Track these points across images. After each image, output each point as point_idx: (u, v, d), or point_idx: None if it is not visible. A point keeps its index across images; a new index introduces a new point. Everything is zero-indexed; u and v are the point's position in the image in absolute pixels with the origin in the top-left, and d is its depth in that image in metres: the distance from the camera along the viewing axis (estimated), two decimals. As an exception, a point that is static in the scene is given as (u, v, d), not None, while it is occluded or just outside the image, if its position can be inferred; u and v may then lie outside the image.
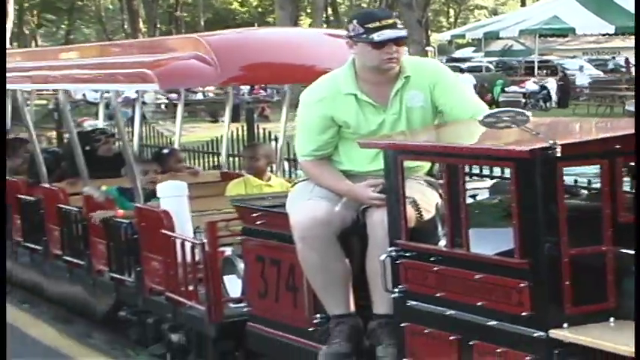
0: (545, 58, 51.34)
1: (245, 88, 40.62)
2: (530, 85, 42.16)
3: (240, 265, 7.77)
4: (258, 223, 7.06)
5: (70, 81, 9.49)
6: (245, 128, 14.20)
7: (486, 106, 6.60)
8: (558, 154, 4.88)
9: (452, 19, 68.61)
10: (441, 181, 6.50)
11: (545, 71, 47.11)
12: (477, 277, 5.30)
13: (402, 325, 5.85)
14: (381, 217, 6.03)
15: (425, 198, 6.15)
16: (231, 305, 7.78)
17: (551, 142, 4.91)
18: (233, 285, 7.86)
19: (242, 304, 7.65)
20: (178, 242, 8.12)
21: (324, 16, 53.95)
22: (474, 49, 57.77)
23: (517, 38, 51.88)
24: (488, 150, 5.41)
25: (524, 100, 38.79)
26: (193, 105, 43.02)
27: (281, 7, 49.55)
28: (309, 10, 55.53)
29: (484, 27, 48.93)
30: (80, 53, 10.71)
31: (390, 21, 6.28)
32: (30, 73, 10.69)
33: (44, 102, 29.87)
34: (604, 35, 48.02)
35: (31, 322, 10.27)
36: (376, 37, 6.19)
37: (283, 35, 8.67)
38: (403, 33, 6.37)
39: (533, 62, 47.27)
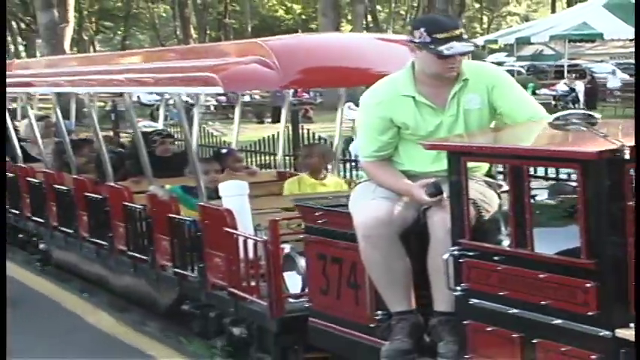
0: (574, 62, 50.85)
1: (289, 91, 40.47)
2: (561, 86, 41.80)
3: (300, 262, 7.59)
4: (320, 222, 6.87)
5: (137, 84, 9.33)
6: (290, 129, 13.65)
7: (543, 108, 6.42)
8: (627, 157, 4.67)
9: (485, 26, 68.22)
10: (499, 182, 6.36)
11: (574, 75, 46.69)
12: (541, 276, 5.10)
13: (465, 322, 5.65)
14: (442, 217, 5.85)
15: (484, 198, 5.97)
16: (291, 300, 7.58)
17: (619, 144, 4.69)
18: (292, 281, 7.67)
19: (302, 300, 7.47)
20: (241, 240, 7.94)
21: (364, 22, 53.71)
22: (506, 53, 57.30)
23: (547, 43, 51.45)
24: (555, 152, 5.19)
25: (554, 102, 38.44)
26: (242, 107, 42.83)
27: (324, 15, 49.48)
28: (349, 17, 55.33)
29: (516, 33, 48.47)
30: (144, 57, 10.55)
31: (458, 32, 6.07)
32: (96, 76, 10.52)
33: (101, 104, 29.80)
34: (631, 40, 47.47)
35: (90, 310, 10.18)
36: (445, 50, 5.98)
37: (341, 40, 8.47)
38: (471, 47, 6.24)
39: (562, 66, 46.78)
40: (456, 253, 5.62)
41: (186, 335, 9.11)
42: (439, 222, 5.88)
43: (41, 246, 12.85)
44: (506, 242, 5.44)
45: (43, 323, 9.57)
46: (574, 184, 6.39)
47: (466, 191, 5.60)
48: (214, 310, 8.56)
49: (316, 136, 13.27)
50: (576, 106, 40.81)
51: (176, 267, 9.02)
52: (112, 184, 10.40)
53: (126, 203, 9.93)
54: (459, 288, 5.64)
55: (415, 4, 60.18)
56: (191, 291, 8.88)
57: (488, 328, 5.46)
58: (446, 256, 5.65)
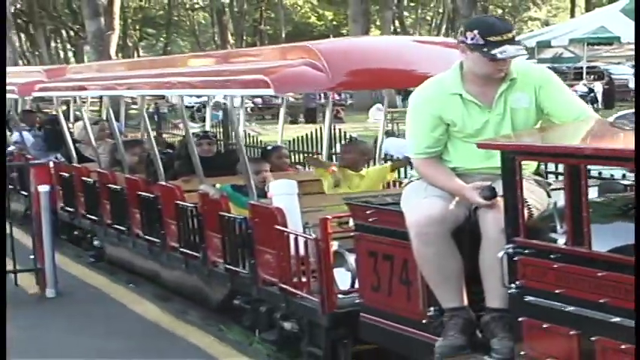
0: (592, 64, 50.40)
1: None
2: (580, 87, 41.45)
3: (349, 259, 7.33)
4: (371, 220, 6.61)
5: (191, 87, 9.07)
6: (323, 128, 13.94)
7: (590, 108, 6.18)
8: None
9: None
10: (548, 180, 6.11)
11: (592, 76, 46.32)
12: (599, 274, 4.83)
13: (520, 319, 5.38)
14: (493, 216, 5.63)
15: (534, 196, 5.72)
16: (341, 296, 7.31)
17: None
18: (341, 277, 7.41)
19: (352, 295, 7.21)
20: (292, 237, 7.69)
21: (392, 28, 53.39)
22: (527, 56, 56.96)
23: (567, 46, 50.85)
24: (613, 151, 4.91)
25: (574, 102, 38.09)
26: (275, 108, 42.88)
27: (354, 20, 49.30)
28: (378, 23, 55.02)
29: (537, 37, 48.03)
30: (197, 61, 10.28)
31: (510, 35, 5.83)
32: (151, 80, 10.24)
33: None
34: (648, 43, 46.93)
35: (136, 300, 10.03)
36: (499, 54, 5.74)
37: (387, 42, 8.21)
38: (522, 51, 5.98)
39: (581, 68, 46.44)
40: (510, 251, 5.37)
41: (225, 324, 9.02)
42: (491, 220, 5.66)
43: (95, 242, 12.64)
44: (561, 240, 5.17)
45: (93, 312, 9.54)
46: (626, 182, 6.22)
47: (521, 190, 5.36)
48: (265, 304, 8.32)
49: (347, 135, 13.24)
50: (595, 106, 40.49)
51: (227, 263, 8.77)
52: (164, 183, 10.16)
53: (177, 202, 9.68)
54: (513, 285, 5.39)
55: (441, 11, 59.84)
56: (242, 286, 8.64)
57: (545, 325, 5.20)
58: (501, 254, 5.40)
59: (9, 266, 10.24)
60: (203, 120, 36.47)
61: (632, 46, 55.28)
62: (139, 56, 55.21)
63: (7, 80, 16.45)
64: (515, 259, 5.34)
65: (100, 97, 13.45)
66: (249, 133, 23.92)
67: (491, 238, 5.64)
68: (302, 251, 7.56)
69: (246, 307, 8.65)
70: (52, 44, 59.76)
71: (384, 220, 6.48)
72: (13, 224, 10.69)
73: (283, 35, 56.14)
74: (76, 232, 13.47)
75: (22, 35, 58.50)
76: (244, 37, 59.55)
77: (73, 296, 10.19)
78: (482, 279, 5.81)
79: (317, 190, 9.29)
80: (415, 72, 7.45)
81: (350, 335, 7.24)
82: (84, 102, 14.16)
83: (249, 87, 7.92)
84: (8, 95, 15.64)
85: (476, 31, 5.81)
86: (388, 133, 23.61)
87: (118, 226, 11.47)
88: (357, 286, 7.14)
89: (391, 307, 6.49)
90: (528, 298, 5.30)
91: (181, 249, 9.69)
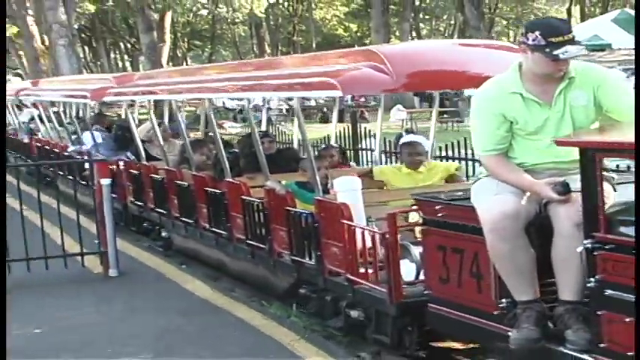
0: (588, 68, 49.59)
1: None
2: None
3: (413, 251, 6.78)
4: (440, 215, 6.06)
5: (262, 89, 8.48)
6: (350, 128, 14.61)
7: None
8: None
9: (512, 39, 66.97)
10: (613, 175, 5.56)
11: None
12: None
13: (599, 312, 4.83)
14: (566, 211, 5.11)
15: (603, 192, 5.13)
16: (406, 287, 6.76)
17: None
18: (406, 268, 6.85)
19: (416, 286, 6.69)
20: (359, 231, 7.14)
21: (410, 38, 52.77)
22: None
23: (565, 52, 50.02)
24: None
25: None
26: (308, 110, 42.44)
27: (376, 31, 48.80)
28: (397, 34, 54.44)
29: (539, 44, 47.29)
30: (263, 65, 9.71)
31: (571, 35, 5.28)
32: (220, 84, 9.72)
33: (192, 109, 29.26)
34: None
35: (188, 279, 9.84)
36: (561, 55, 5.22)
37: (446, 46, 7.60)
38: (583, 50, 5.46)
39: (579, 71, 45.69)
40: (589, 246, 4.82)
41: (267, 300, 8.90)
42: (564, 215, 5.14)
43: (163, 234, 12.19)
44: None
45: (150, 289, 9.52)
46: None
47: (601, 187, 4.82)
48: (330, 293, 7.78)
49: (371, 133, 13.14)
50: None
51: (293, 255, 8.23)
52: (230, 179, 9.62)
53: (243, 197, 9.15)
54: (592, 279, 4.84)
55: (452, 22, 59.12)
56: (308, 276, 8.10)
57: (627, 319, 4.64)
58: (580, 248, 4.89)
59: (77, 249, 10.32)
60: (244, 121, 36.22)
61: (623, 52, 54.58)
62: (187, 65, 54.77)
63: (79, 87, 15.95)
64: (595, 253, 4.81)
65: (152, 102, 13.01)
66: (284, 132, 23.65)
67: (564, 233, 5.14)
68: (368, 244, 7.02)
69: (312, 296, 8.13)
70: (112, 55, 59.59)
71: (453, 215, 5.94)
72: (80, 213, 10.60)
73: (314, 45, 55.57)
74: (145, 224, 13.00)
75: (86, 48, 58.31)
76: (279, 48, 59.08)
77: (133, 276, 10.19)
78: (556, 272, 5.28)
79: (373, 186, 8.72)
80: (474, 73, 6.93)
81: (415, 323, 6.73)
82: (131, 106, 13.88)
83: (318, 89, 7.36)
84: (81, 100, 15.18)
85: (537, 33, 5.30)
86: (408, 131, 23.19)
87: (185, 219, 10.97)
88: (421, 277, 6.65)
89: (461, 298, 5.95)
90: (608, 292, 4.76)
91: (248, 241, 9.16)
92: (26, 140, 21.36)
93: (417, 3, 57.53)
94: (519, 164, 5.52)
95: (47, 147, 18.63)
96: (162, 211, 11.84)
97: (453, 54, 7.37)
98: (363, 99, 43.85)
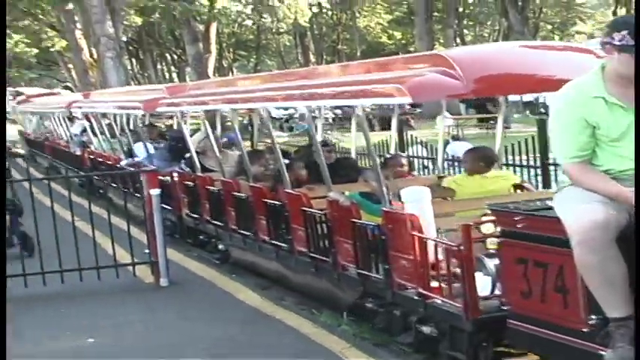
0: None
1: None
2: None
3: (488, 264, 6.42)
4: (520, 226, 5.68)
5: (326, 97, 8.10)
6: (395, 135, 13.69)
7: None
8: None
9: (556, 43, 66.32)
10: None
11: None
12: None
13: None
14: None
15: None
16: (482, 301, 6.39)
17: None
18: (480, 282, 6.49)
19: (492, 300, 6.31)
20: (430, 243, 6.79)
21: (454, 44, 52.23)
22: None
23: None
24: None
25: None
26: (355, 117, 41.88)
27: (420, 39, 48.34)
28: (441, 40, 53.93)
29: (585, 48, 46.56)
30: (322, 74, 9.36)
31: None
32: (274, 93, 9.43)
33: (239, 118, 29.01)
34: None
35: (239, 289, 9.75)
36: None
37: (518, 48, 7.16)
38: None
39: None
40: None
41: (317, 308, 8.82)
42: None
43: (220, 246, 11.86)
44: None
45: (201, 299, 9.47)
46: None
47: None
48: (399, 308, 7.43)
49: (418, 140, 13.25)
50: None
51: (359, 268, 7.89)
52: (290, 190, 9.31)
53: (305, 209, 8.83)
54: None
55: (496, 28, 58.48)
56: (375, 290, 7.76)
57: None
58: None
59: (128, 259, 10.33)
60: (290, 130, 36.01)
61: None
62: (232, 75, 54.73)
63: (131, 97, 15.72)
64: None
65: (207, 112, 12.78)
66: (330, 140, 23.33)
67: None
68: (440, 257, 6.66)
69: (379, 310, 7.78)
70: (159, 67, 59.67)
71: (535, 227, 5.55)
72: (132, 224, 10.63)
73: (358, 53, 55.24)
74: (200, 237, 12.72)
75: (133, 60, 58.45)
76: (324, 57, 58.80)
77: (184, 285, 10.14)
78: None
79: (440, 195, 8.33)
80: (552, 77, 6.49)
81: (490, 339, 6.36)
82: (184, 116, 13.39)
83: (385, 96, 7.00)
84: (134, 111, 14.90)
85: (625, 32, 4.90)
86: (454, 137, 22.73)
87: (243, 231, 10.67)
88: (497, 291, 6.29)
89: (545, 314, 5.55)
90: None
91: (310, 253, 8.84)
92: (78, 152, 21.18)
93: (461, 9, 56.97)
94: (605, 172, 5.15)
95: (100, 159, 18.45)
96: (219, 223, 11.56)
97: (527, 57, 6.95)
98: (408, 106, 43.34)
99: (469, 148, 8.56)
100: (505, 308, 5.99)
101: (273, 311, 8.64)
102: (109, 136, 18.79)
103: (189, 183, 12.65)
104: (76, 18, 39.63)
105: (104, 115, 18.71)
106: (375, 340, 7.65)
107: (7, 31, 57.01)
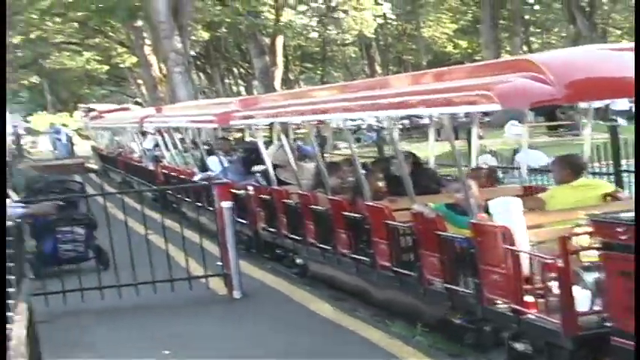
0: None
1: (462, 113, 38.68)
2: None
3: (587, 278, 6.06)
4: (623, 237, 5.36)
5: (408, 106, 7.70)
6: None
7: None
8: None
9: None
10: None
11: None
12: None
13: None
14: None
15: None
16: (580, 317, 6.04)
17: None
18: (578, 297, 6.13)
19: (592, 316, 5.97)
20: (524, 257, 6.46)
21: (521, 52, 51.50)
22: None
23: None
24: None
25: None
26: (421, 128, 41.59)
27: (486, 47, 47.73)
28: (508, 49, 53.25)
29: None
30: (403, 82, 8.88)
31: None
32: (353, 103, 9.05)
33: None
34: None
35: (312, 300, 9.70)
36: None
37: (610, 52, 6.71)
38: None
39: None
40: None
41: (390, 319, 8.72)
42: None
43: (298, 261, 11.53)
44: None
45: (275, 310, 9.42)
46: None
47: None
48: (490, 324, 7.09)
49: (487, 150, 13.10)
50: None
51: (446, 282, 7.58)
52: (371, 203, 8.97)
53: (388, 221, 8.51)
54: None
55: (564, 34, 57.56)
56: (464, 305, 7.43)
57: None
58: None
59: (201, 272, 10.29)
60: (358, 141, 35.74)
61: None
62: (299, 87, 54.72)
63: (204, 111, 15.54)
64: None
65: (277, 124, 12.62)
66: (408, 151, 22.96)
67: None
68: (535, 270, 6.34)
69: (468, 327, 7.44)
70: (226, 81, 59.84)
71: (641, 238, 5.22)
72: (205, 237, 10.61)
73: (424, 63, 54.80)
74: (278, 251, 12.39)
75: (201, 74, 58.73)
76: (390, 67, 58.44)
77: (257, 297, 10.08)
78: None
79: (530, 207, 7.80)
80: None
81: (590, 356, 6.00)
82: (257, 129, 13.18)
83: (473, 103, 6.68)
84: (207, 125, 14.77)
85: None
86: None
87: (322, 245, 10.35)
88: (595, 306, 5.95)
89: (654, 332, 5.21)
90: None
91: (394, 268, 8.51)
92: (151, 167, 21.00)
93: (527, 16, 56.20)
94: None
95: (173, 173, 18.26)
96: (296, 237, 11.26)
97: (617, 59, 6.49)
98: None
99: (557, 156, 8.17)
100: (608, 325, 5.67)
101: (346, 322, 8.54)
102: (182, 149, 18.67)
103: (265, 197, 12.40)
104: (145, 34, 39.90)
105: (176, 130, 18.66)
106: (450, 351, 7.50)
107: (79, 49, 57.86)
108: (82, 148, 43.96)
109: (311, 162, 12.64)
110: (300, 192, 11.14)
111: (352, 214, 9.39)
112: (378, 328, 8.30)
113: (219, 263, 10.20)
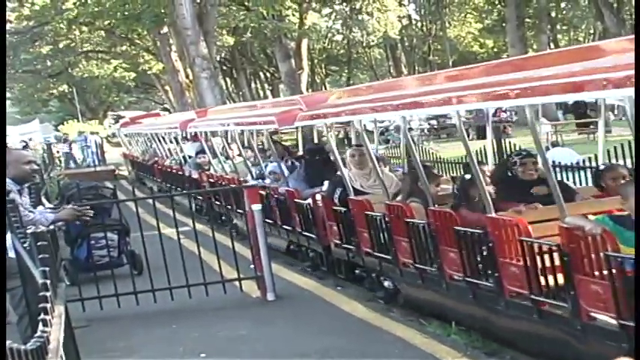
0: None
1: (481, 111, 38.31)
2: None
3: None
4: None
5: (537, 94, 5.92)
6: (495, 144, 13.66)
7: None
8: None
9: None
10: None
11: None
12: None
13: None
14: None
15: None
16: None
17: None
18: None
19: None
20: None
21: (548, 50, 50.96)
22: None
23: None
24: None
25: None
26: (449, 128, 41.42)
27: (512, 46, 47.29)
28: (534, 47, 52.78)
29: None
30: (503, 69, 6.98)
31: None
32: (450, 94, 7.14)
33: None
34: None
35: (344, 301, 9.62)
36: None
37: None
38: None
39: None
40: None
41: (425, 319, 8.54)
42: None
43: (386, 283, 9.70)
44: None
45: (309, 312, 9.38)
46: None
47: None
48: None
49: (517, 147, 12.24)
50: None
51: (619, 317, 5.76)
52: (495, 215, 7.14)
53: (524, 239, 6.68)
54: None
55: (591, 31, 57.03)
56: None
57: None
58: None
59: (234, 275, 10.22)
60: (387, 142, 35.31)
61: None
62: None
63: (260, 112, 14.12)
64: None
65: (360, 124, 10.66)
66: (429, 150, 22.57)
67: None
68: None
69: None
70: (252, 85, 59.81)
71: None
72: (235, 239, 10.68)
73: (450, 64, 54.37)
74: (357, 271, 10.51)
75: (228, 79, 58.66)
76: (416, 68, 58.11)
77: (290, 299, 10.04)
78: None
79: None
80: None
81: None
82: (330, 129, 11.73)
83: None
84: (267, 126, 12.94)
85: None
86: (553, 144, 21.74)
87: (421, 266, 8.57)
88: None
89: None
90: None
91: (532, 295, 6.67)
92: (195, 175, 18.97)
93: (553, 14, 55.57)
94: None
95: (222, 182, 16.11)
96: (383, 255, 9.39)
97: None
98: (506, 114, 42.32)
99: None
100: None
101: (381, 322, 8.40)
102: (234, 154, 16.85)
103: (339, 208, 10.50)
104: (171, 41, 39.79)
105: (214, 134, 17.29)
106: (486, 350, 7.32)
107: (106, 57, 57.94)
108: (112, 155, 43.98)
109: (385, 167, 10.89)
110: (389, 202, 9.19)
111: (468, 229, 7.48)
112: (413, 327, 8.18)
113: (252, 266, 10.14)
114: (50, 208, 10.29)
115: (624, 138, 12.82)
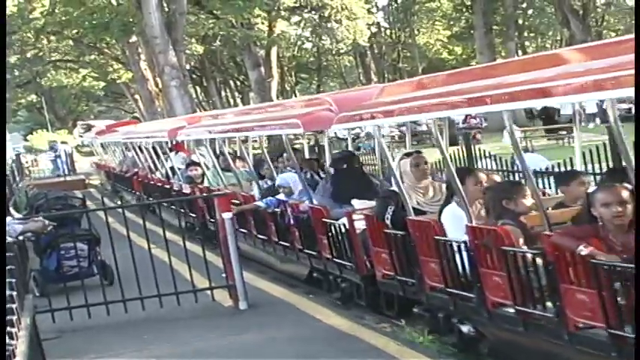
0: None
1: (459, 118, 38.41)
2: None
3: None
4: None
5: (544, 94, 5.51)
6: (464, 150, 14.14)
7: None
8: None
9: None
10: None
11: None
12: None
13: None
14: None
15: None
16: None
17: None
18: None
19: None
20: None
21: (516, 57, 51.32)
22: None
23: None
24: None
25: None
26: (419, 135, 41.43)
27: (480, 53, 47.58)
28: (503, 54, 53.11)
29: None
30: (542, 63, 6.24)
31: None
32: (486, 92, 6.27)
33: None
34: None
35: (316, 309, 9.55)
36: None
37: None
38: None
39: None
40: None
41: (398, 326, 8.49)
42: None
43: (464, 328, 7.55)
44: None
45: (281, 320, 9.28)
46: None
47: None
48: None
49: (486, 154, 12.60)
50: None
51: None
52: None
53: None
54: None
55: (558, 38, 57.44)
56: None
57: None
58: None
59: (205, 284, 10.13)
60: (357, 149, 35.28)
61: None
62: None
63: (287, 113, 11.84)
64: None
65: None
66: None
67: None
68: None
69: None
70: (223, 93, 59.72)
71: None
72: (206, 247, 10.60)
73: (420, 71, 54.61)
74: (416, 309, 8.44)
75: (197, 88, 58.55)
76: (385, 75, 58.28)
77: (263, 307, 9.93)
78: None
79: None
80: None
81: None
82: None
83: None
84: (293, 130, 10.81)
85: None
86: (524, 150, 21.75)
87: (522, 308, 6.51)
88: None
89: None
90: None
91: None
92: (187, 190, 16.48)
93: (520, 21, 55.99)
94: None
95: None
96: (459, 292, 7.42)
97: None
98: (474, 120, 42.51)
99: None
100: None
101: (354, 330, 8.36)
102: (238, 166, 14.89)
103: (390, 232, 8.45)
104: (140, 50, 39.66)
105: (212, 142, 15.56)
106: (458, 357, 7.36)
107: (75, 66, 57.61)
108: (82, 164, 43.70)
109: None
110: (474, 225, 7.08)
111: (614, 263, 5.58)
112: (386, 334, 8.14)
113: (224, 275, 10.06)
114: (19, 219, 10.25)
115: (592, 142, 12.91)
